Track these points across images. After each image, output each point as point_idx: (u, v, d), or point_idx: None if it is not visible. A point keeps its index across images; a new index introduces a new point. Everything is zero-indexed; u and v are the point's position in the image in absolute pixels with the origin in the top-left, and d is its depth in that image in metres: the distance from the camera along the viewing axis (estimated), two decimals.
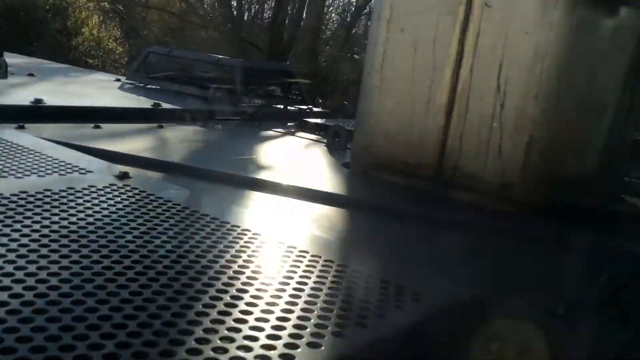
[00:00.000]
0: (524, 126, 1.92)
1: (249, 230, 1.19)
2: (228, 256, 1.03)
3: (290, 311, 0.85)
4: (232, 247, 1.08)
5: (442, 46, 2.08)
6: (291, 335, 0.78)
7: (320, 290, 0.94)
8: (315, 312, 0.86)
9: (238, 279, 0.94)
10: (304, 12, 11.56)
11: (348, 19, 14.69)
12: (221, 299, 0.86)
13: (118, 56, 14.69)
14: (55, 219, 1.11)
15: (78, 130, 2.48)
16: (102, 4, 13.94)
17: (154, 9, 13.87)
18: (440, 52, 2.09)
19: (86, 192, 1.32)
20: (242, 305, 0.85)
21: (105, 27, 14.73)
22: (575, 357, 1.04)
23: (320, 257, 1.09)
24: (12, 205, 1.15)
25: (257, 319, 0.81)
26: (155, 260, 0.97)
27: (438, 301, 0.98)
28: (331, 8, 15.43)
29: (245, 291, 0.90)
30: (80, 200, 1.25)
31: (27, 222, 1.08)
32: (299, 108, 4.18)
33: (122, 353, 0.68)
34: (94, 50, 13.95)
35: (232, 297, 0.87)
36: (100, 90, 3.89)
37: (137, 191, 1.38)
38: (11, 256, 0.92)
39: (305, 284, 0.96)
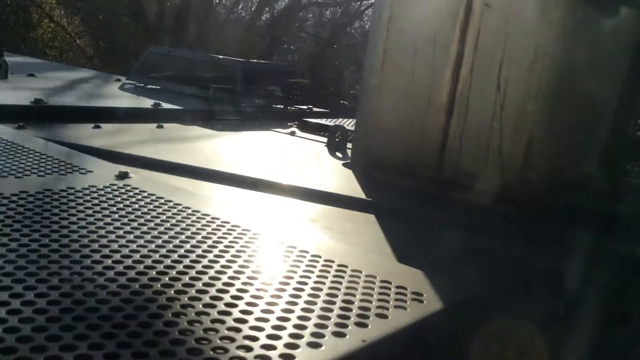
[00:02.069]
0: (524, 126, 1.92)
1: (249, 230, 1.19)
2: (228, 256, 1.03)
3: (291, 311, 0.85)
4: (233, 247, 1.08)
5: (442, 46, 2.08)
6: (291, 335, 0.78)
7: (320, 290, 0.94)
8: (315, 312, 0.86)
9: (238, 278, 0.94)
10: None
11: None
12: (221, 298, 0.86)
13: (81, 48, 14.72)
14: (56, 218, 1.11)
15: (78, 130, 2.48)
16: None
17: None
18: (440, 52, 2.09)
19: (86, 192, 1.32)
20: (242, 305, 0.85)
21: (67, 20, 14.78)
22: (576, 357, 1.04)
23: (320, 257, 1.09)
24: (12, 205, 1.16)
25: (258, 319, 0.81)
26: (156, 260, 0.97)
27: (438, 302, 0.98)
28: None
29: (246, 291, 0.90)
30: (81, 200, 1.25)
31: (27, 222, 1.08)
32: (299, 108, 4.19)
33: (122, 353, 0.68)
34: (51, 42, 14.12)
35: (233, 297, 0.87)
36: (100, 90, 3.89)
37: (137, 191, 1.38)
38: (11, 256, 0.92)
39: (305, 283, 0.96)
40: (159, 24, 11.27)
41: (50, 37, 14.28)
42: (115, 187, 1.38)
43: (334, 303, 0.90)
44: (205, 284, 0.90)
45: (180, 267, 0.96)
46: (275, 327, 0.79)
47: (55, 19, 14.03)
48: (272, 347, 0.74)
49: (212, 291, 0.88)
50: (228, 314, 0.82)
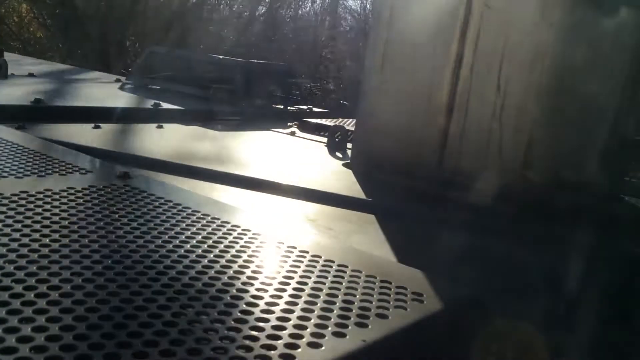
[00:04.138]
0: (524, 126, 1.93)
1: (249, 230, 1.19)
2: (228, 256, 1.03)
3: (291, 311, 0.85)
4: (233, 247, 1.08)
5: (442, 46, 2.08)
6: (291, 335, 0.78)
7: (320, 290, 0.94)
8: (315, 312, 0.86)
9: (238, 278, 0.94)
10: None
11: None
12: (221, 298, 0.86)
13: (46, 42, 14.85)
14: (56, 218, 1.11)
15: (78, 130, 2.48)
16: None
17: None
18: (440, 52, 2.09)
19: (86, 192, 1.32)
20: (242, 305, 0.85)
21: (34, 15, 14.89)
22: (576, 358, 1.04)
23: (320, 257, 1.09)
24: (13, 205, 1.16)
25: (258, 319, 0.81)
26: (156, 260, 0.97)
27: (438, 301, 0.98)
28: None
29: (246, 291, 0.90)
30: (81, 201, 1.25)
31: (28, 222, 1.08)
32: (299, 108, 4.19)
33: (122, 353, 0.68)
34: (15, 36, 14.34)
35: (233, 297, 0.87)
36: (100, 90, 3.89)
37: (137, 191, 1.38)
38: (12, 256, 0.92)
39: (305, 283, 0.96)
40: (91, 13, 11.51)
41: (16, 31, 14.56)
42: (115, 187, 1.38)
43: (334, 303, 0.90)
44: (205, 284, 0.90)
45: (180, 267, 0.96)
46: (275, 327, 0.79)
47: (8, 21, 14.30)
48: (272, 347, 0.74)
49: (212, 291, 0.88)
50: (228, 314, 0.82)
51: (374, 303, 0.92)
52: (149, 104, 3.22)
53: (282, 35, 13.56)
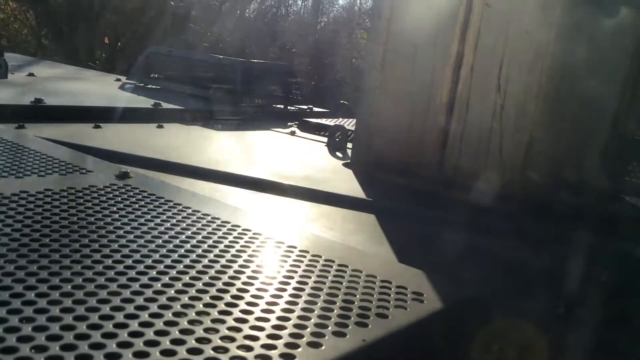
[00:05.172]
0: (524, 126, 1.93)
1: (249, 230, 1.19)
2: (229, 256, 1.04)
3: (291, 311, 0.85)
4: (233, 246, 1.09)
5: (442, 46, 2.08)
6: (292, 335, 0.78)
7: (321, 290, 0.94)
8: (316, 312, 0.86)
9: (239, 278, 0.94)
10: None
11: None
12: (222, 298, 0.86)
13: (29, 38, 14.95)
14: (56, 218, 1.11)
15: (78, 130, 2.48)
16: None
17: None
18: (440, 52, 2.09)
19: (86, 191, 1.32)
20: (242, 305, 0.85)
21: (12, 10, 14.98)
22: (576, 358, 1.04)
23: (320, 257, 1.09)
24: (13, 205, 1.16)
25: (258, 319, 0.81)
26: (156, 260, 0.98)
27: (438, 301, 0.98)
28: None
29: (246, 291, 0.90)
30: (81, 200, 1.25)
31: (28, 221, 1.08)
32: (299, 108, 4.19)
33: (123, 352, 0.69)
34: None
35: (233, 296, 0.87)
36: (101, 90, 3.89)
37: (137, 191, 1.38)
38: (12, 256, 0.92)
39: (306, 283, 0.96)
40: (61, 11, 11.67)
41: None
42: (115, 187, 1.38)
43: (334, 303, 0.90)
44: (205, 284, 0.90)
45: (180, 266, 0.96)
46: (275, 327, 0.80)
47: None
48: (272, 347, 0.74)
49: (213, 291, 0.88)
50: (228, 313, 0.82)
51: (374, 303, 0.92)
52: (149, 104, 3.22)
53: (267, 33, 13.60)
